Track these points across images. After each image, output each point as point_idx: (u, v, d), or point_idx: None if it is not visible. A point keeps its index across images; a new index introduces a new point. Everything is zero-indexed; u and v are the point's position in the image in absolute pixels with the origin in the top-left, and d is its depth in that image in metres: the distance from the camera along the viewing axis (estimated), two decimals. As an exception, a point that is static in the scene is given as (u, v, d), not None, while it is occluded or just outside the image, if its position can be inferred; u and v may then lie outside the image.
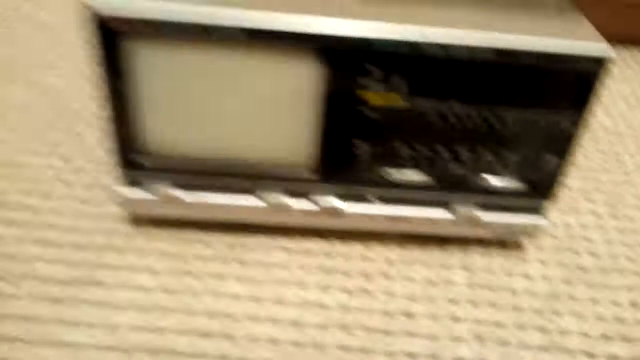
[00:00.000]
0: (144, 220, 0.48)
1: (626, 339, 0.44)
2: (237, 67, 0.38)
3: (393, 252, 0.48)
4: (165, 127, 0.40)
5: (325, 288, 0.45)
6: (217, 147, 0.41)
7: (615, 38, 0.82)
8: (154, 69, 0.38)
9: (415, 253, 0.48)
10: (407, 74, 0.38)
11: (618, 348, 0.43)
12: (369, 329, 0.42)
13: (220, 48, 0.37)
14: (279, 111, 0.40)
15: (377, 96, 0.39)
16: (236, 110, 0.40)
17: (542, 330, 0.44)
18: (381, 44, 0.37)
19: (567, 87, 0.39)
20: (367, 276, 0.46)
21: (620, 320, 0.45)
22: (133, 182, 0.43)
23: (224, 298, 0.43)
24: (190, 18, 0.35)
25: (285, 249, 0.47)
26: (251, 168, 0.43)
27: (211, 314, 0.42)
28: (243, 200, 0.44)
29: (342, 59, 0.37)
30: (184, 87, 0.38)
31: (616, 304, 0.47)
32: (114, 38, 0.36)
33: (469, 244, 0.50)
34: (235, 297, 0.43)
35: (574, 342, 0.43)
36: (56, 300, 0.41)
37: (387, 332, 0.42)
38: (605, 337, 0.44)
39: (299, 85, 0.39)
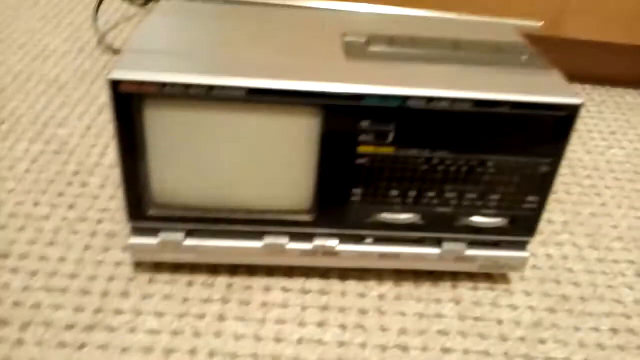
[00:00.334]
0: (146, 265, 0.51)
1: (608, 364, 0.47)
2: (240, 124, 0.42)
3: (387, 289, 0.51)
4: (173, 180, 0.44)
5: (322, 325, 0.47)
6: (221, 197, 0.45)
7: (592, 79, 0.86)
8: (164, 128, 0.42)
9: (408, 289, 0.51)
10: (393, 124, 0.42)
11: (600, 372, 0.46)
12: (365, 362, 0.45)
13: (224, 107, 0.41)
14: (278, 162, 0.44)
15: (367, 145, 0.43)
16: (238, 163, 0.43)
17: (528, 358, 0.47)
18: (371, 98, 0.41)
19: (543, 133, 0.43)
20: (362, 312, 0.49)
21: (601, 346, 0.48)
22: (141, 231, 0.46)
23: (226, 337, 0.46)
24: (197, 80, 0.39)
25: (285, 289, 0.50)
26: (252, 214, 0.46)
27: (213, 353, 0.44)
28: (244, 243, 0.47)
29: (336, 113, 0.41)
30: (192, 143, 0.42)
31: (597, 330, 0.49)
32: (127, 100, 0.40)
33: (459, 278, 0.53)
34: (237, 336, 0.46)
35: (558, 368, 0.46)
36: (62, 345, 0.44)
37: (382, 365, 0.45)
38: (588, 363, 0.47)
39: (296, 138, 0.42)
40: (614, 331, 0.50)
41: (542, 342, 0.48)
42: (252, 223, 0.46)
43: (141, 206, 0.45)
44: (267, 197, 0.45)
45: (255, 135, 0.42)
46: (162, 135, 0.42)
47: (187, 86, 0.39)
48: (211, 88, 0.40)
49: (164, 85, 0.39)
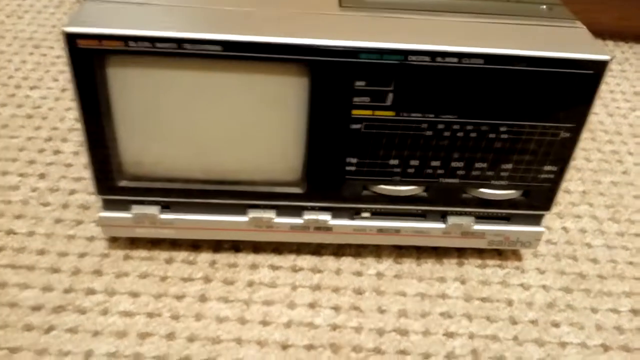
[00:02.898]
0: (122, 241, 0.46)
1: (626, 349, 0.42)
2: (217, 84, 0.37)
3: (386, 266, 0.47)
4: (144, 148, 0.39)
5: (314, 306, 0.43)
6: (199, 167, 0.40)
7: (615, 34, 0.80)
8: (129, 88, 0.37)
9: (409, 266, 0.47)
10: (393, 84, 0.37)
11: (619, 359, 0.42)
12: (359, 349, 0.41)
13: (198, 64, 0.36)
14: (262, 128, 0.39)
15: (364, 108, 0.38)
16: (217, 128, 0.38)
17: (540, 343, 0.42)
18: (367, 54, 0.35)
19: (564, 94, 0.37)
20: (358, 292, 0.45)
21: (619, 329, 0.44)
22: (112, 204, 0.42)
23: (207, 320, 0.42)
24: (165, 33, 0.34)
25: (273, 267, 0.46)
26: (235, 186, 0.41)
27: (193, 338, 0.40)
28: (227, 218, 0.43)
29: (326, 70, 0.36)
30: (162, 106, 0.37)
31: (616, 311, 0.45)
32: (86, 56, 0.35)
33: (466, 255, 0.48)
34: (219, 318, 0.42)
35: (572, 354, 0.42)
36: (28, 328, 0.40)
37: (378, 351, 0.41)
38: (605, 348, 0.42)
39: (282, 100, 0.37)
40: (635, 312, 0.45)
41: (556, 325, 0.44)
42: (236, 195, 0.42)
43: (110, 177, 0.40)
44: (252, 166, 0.40)
45: (235, 97, 0.37)
46: (129, 98, 0.37)
47: (155, 40, 0.34)
48: (182, 42, 0.34)
49: (128, 39, 0.34)
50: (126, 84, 0.36)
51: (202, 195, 0.41)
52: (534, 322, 0.44)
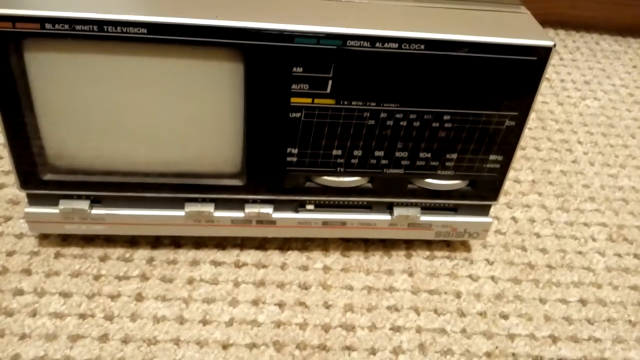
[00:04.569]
0: (53, 238, 0.44)
1: (575, 339, 0.42)
2: (144, 69, 0.34)
3: (333, 260, 0.45)
4: (70, 139, 0.37)
5: (257, 303, 0.42)
6: (130, 158, 0.38)
7: (565, 23, 0.80)
8: (49, 74, 0.34)
9: (356, 259, 0.46)
10: (332, 70, 0.35)
11: (567, 350, 0.41)
12: (303, 346, 0.39)
13: (122, 48, 0.33)
14: (196, 117, 0.37)
15: (302, 96, 0.36)
16: (146, 117, 0.36)
17: (488, 335, 0.42)
18: (303, 38, 0.34)
19: (508, 82, 0.36)
20: (304, 287, 0.43)
21: (568, 319, 0.43)
22: (38, 199, 0.39)
23: (143, 320, 0.40)
24: (85, 14, 0.32)
25: (215, 262, 0.44)
26: (171, 178, 0.39)
27: (128, 339, 0.38)
28: (163, 212, 0.41)
29: (261, 55, 0.34)
30: (85, 94, 0.35)
31: (565, 302, 0.45)
32: (0, 40, 0.32)
33: (414, 247, 0.47)
34: (156, 318, 0.40)
35: (520, 345, 0.41)
36: (-42, 333, 0.38)
37: (323, 348, 0.39)
38: (553, 339, 0.42)
39: (216, 87, 0.35)
40: (583, 302, 0.45)
41: (504, 316, 0.43)
42: (171, 189, 0.39)
43: (34, 170, 0.37)
44: (187, 158, 0.38)
45: (164, 84, 0.35)
46: (49, 85, 0.34)
47: (74, 22, 0.32)
48: (103, 25, 0.32)
49: (44, 21, 0.32)
50: (45, 70, 0.34)
51: (134, 188, 0.39)
52: (482, 314, 0.43)
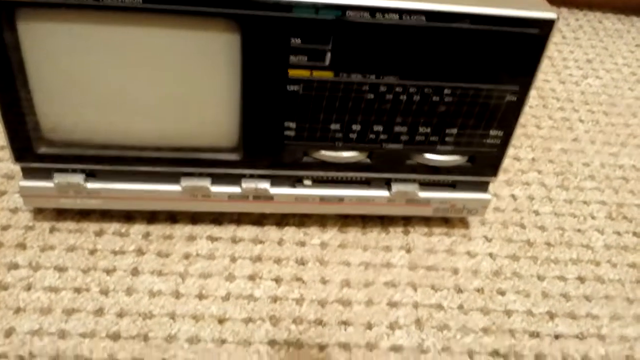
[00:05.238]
0: (48, 212, 0.43)
1: (572, 316, 0.42)
2: (140, 40, 0.34)
3: (330, 235, 0.45)
4: (64, 111, 0.36)
5: (254, 278, 0.41)
6: (125, 131, 0.38)
7: (568, 1, 0.79)
8: (43, 45, 0.33)
9: (354, 235, 0.45)
10: (331, 42, 0.34)
11: (563, 327, 0.41)
12: (299, 320, 0.39)
13: (117, 18, 0.33)
14: (193, 89, 0.36)
15: (300, 68, 0.35)
16: (141, 89, 0.36)
17: (485, 311, 0.42)
18: (301, 8, 0.33)
19: (510, 55, 0.36)
20: (301, 262, 0.43)
21: (566, 296, 0.43)
22: (32, 172, 0.39)
23: (139, 294, 0.39)
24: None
25: (211, 238, 0.43)
26: (166, 152, 0.39)
27: (123, 313, 0.38)
28: (159, 187, 0.40)
29: (257, 26, 0.33)
30: (80, 65, 0.34)
31: (562, 279, 0.44)
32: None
33: (412, 223, 0.47)
34: (152, 292, 0.40)
35: (517, 321, 0.41)
36: (-46, 306, 0.38)
37: (319, 323, 0.39)
38: (551, 315, 0.42)
39: (212, 59, 0.35)
40: (581, 279, 0.45)
41: (501, 293, 0.43)
42: (167, 163, 0.39)
43: (29, 144, 0.37)
44: (183, 131, 0.38)
45: (161, 55, 0.34)
46: (43, 56, 0.34)
47: (67, -9, 0.31)
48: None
49: (36, -11, 0.31)
50: (39, 41, 0.33)
51: (130, 162, 0.39)
52: (479, 290, 0.43)
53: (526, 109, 0.60)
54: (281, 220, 0.46)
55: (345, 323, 0.40)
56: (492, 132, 0.39)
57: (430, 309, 0.41)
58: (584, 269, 0.45)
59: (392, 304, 0.41)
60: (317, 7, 0.33)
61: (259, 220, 0.45)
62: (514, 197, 0.50)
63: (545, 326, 0.41)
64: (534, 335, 0.40)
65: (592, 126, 0.59)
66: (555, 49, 0.70)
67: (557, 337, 0.41)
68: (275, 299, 0.40)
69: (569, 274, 0.45)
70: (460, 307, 0.42)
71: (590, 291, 0.44)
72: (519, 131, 0.57)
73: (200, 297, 0.40)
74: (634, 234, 0.49)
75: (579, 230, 0.48)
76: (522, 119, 0.58)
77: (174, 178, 0.40)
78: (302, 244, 0.44)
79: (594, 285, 0.44)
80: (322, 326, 0.39)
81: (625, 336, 0.41)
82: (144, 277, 0.40)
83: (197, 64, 0.35)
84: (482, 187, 0.43)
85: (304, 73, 0.36)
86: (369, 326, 0.40)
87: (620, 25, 0.78)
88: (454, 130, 0.39)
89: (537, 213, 0.49)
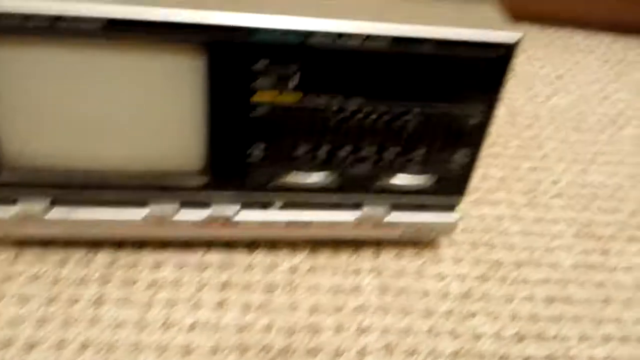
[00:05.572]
0: (9, 241, 0.42)
1: (541, 338, 0.42)
2: (102, 66, 0.33)
3: (300, 259, 0.45)
4: (27, 137, 0.35)
5: (221, 306, 0.41)
6: (87, 157, 0.37)
7: (539, 18, 0.80)
8: (3, 72, 0.33)
9: (324, 259, 0.45)
10: (295, 67, 0.34)
11: (533, 349, 0.41)
12: (268, 349, 0.39)
13: (79, 44, 0.32)
14: (157, 114, 0.35)
15: (265, 93, 0.35)
16: (107, 114, 0.35)
17: (454, 334, 0.41)
18: (264, 33, 0.33)
19: (473, 78, 0.36)
20: (270, 288, 0.43)
21: (534, 317, 0.43)
22: (-7, 202, 0.38)
23: (103, 325, 0.39)
24: (38, 8, 0.30)
25: (178, 265, 0.43)
26: (131, 178, 0.38)
27: (86, 345, 0.37)
28: (122, 214, 0.39)
29: (223, 51, 0.33)
30: (38, 90, 0.34)
31: (531, 300, 0.45)
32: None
33: (382, 246, 0.47)
34: (116, 323, 0.39)
35: (486, 345, 0.41)
36: None
37: (287, 351, 0.39)
38: (520, 337, 0.42)
39: (177, 83, 0.34)
40: (549, 300, 0.45)
41: (471, 315, 0.43)
42: (131, 189, 0.38)
43: (-14, 171, 0.36)
44: (149, 156, 0.37)
45: (124, 80, 0.34)
46: (3, 81, 0.33)
47: (26, 17, 0.31)
48: (57, 19, 0.31)
49: (-8, 17, 0.30)
50: (-3, 68, 0.32)
51: (93, 189, 0.38)
52: (449, 313, 0.43)
53: (495, 128, 0.60)
54: (251, 243, 0.45)
55: (314, 350, 0.39)
56: (459, 153, 0.40)
57: (400, 333, 0.41)
58: (552, 289, 0.46)
59: (362, 330, 0.41)
60: (280, 32, 0.33)
61: (229, 244, 0.45)
62: (482, 217, 0.51)
63: (514, 348, 0.41)
64: (504, 358, 0.40)
65: (561, 143, 0.60)
66: (525, 64, 0.71)
67: (526, 359, 0.41)
68: (243, 327, 0.40)
69: (538, 294, 0.45)
70: (430, 330, 0.41)
71: (559, 312, 0.44)
72: (488, 150, 0.57)
73: (166, 326, 0.39)
74: (602, 252, 0.49)
75: (547, 250, 0.49)
76: (491, 138, 0.59)
77: (137, 204, 0.39)
78: (272, 268, 0.44)
79: (562, 305, 0.44)
80: (290, 354, 0.39)
81: (594, 357, 0.41)
82: (107, 307, 0.40)
83: (162, 88, 0.34)
84: (450, 208, 0.43)
85: (268, 97, 0.35)
86: (338, 353, 0.39)
87: (590, 42, 0.79)
88: (421, 152, 0.39)
89: (505, 233, 0.49)
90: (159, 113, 0.35)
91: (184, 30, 0.32)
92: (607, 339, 0.43)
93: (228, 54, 0.33)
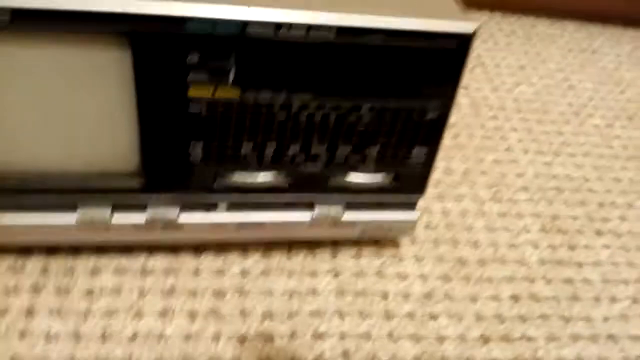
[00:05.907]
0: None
1: (506, 339, 0.40)
2: (14, 60, 0.30)
3: (252, 262, 0.42)
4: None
5: (165, 314, 0.38)
6: (10, 157, 0.33)
7: (501, 6, 0.78)
8: None
9: (278, 260, 0.42)
10: (233, 60, 0.31)
11: (498, 351, 0.39)
12: (215, 360, 0.36)
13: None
14: (82, 111, 0.32)
15: (201, 88, 0.32)
16: (28, 112, 0.32)
17: (416, 338, 0.39)
18: (197, 23, 0.30)
19: (428, 70, 0.33)
20: (219, 294, 0.40)
21: (500, 317, 0.41)
22: None
23: (34, 338, 0.35)
24: None
25: (118, 270, 0.40)
26: (59, 180, 0.35)
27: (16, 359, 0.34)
28: (52, 219, 0.36)
29: (149, 43, 0.30)
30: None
31: (496, 299, 0.43)
32: None
33: (340, 245, 0.44)
34: (49, 336, 0.35)
35: (450, 349, 0.39)
36: None
37: (236, 362, 0.36)
38: (485, 339, 0.40)
39: (100, 78, 0.31)
40: (515, 299, 0.43)
41: (434, 317, 0.41)
42: (60, 191, 0.35)
43: None
44: (76, 156, 0.34)
45: (45, 74, 0.30)
46: None
47: None
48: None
49: None
50: None
51: (17, 192, 0.34)
52: (410, 315, 0.40)
53: (458, 119, 0.58)
54: (198, 246, 0.42)
55: (265, 360, 0.37)
56: (416, 149, 0.37)
57: (359, 339, 0.39)
58: (518, 287, 0.44)
59: (318, 336, 0.38)
60: (214, 23, 0.30)
61: (173, 248, 0.42)
62: (445, 212, 0.48)
63: (479, 352, 0.39)
64: (467, 362, 0.38)
65: (525, 135, 0.58)
66: (487, 55, 0.69)
67: (490, 362, 0.39)
68: (188, 337, 0.37)
69: (503, 293, 0.43)
70: (390, 335, 0.39)
71: (524, 311, 0.42)
72: (451, 142, 0.55)
73: (104, 338, 0.36)
74: (569, 247, 0.48)
75: (512, 246, 0.47)
76: (455, 129, 0.57)
77: (67, 208, 0.36)
78: (221, 273, 0.41)
79: (529, 304, 0.43)
80: (239, 365, 0.36)
81: (562, 358, 0.40)
82: (40, 319, 0.36)
83: (85, 82, 0.31)
84: (410, 205, 0.41)
85: (205, 93, 0.32)
86: (291, 362, 0.37)
87: (553, 30, 0.77)
88: (376, 149, 0.36)
89: (469, 229, 0.47)
90: (83, 109, 0.32)
91: (104, 20, 0.28)
92: (575, 338, 0.41)
93: (154, 46, 0.30)
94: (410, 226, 0.42)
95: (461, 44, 0.32)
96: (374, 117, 0.35)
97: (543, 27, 0.77)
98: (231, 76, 0.32)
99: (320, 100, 0.33)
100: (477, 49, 0.69)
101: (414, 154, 0.37)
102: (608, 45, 0.76)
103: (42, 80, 0.30)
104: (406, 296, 0.42)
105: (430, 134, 0.36)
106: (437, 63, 0.33)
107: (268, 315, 0.39)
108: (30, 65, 0.30)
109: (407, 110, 0.35)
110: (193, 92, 0.32)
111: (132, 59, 0.30)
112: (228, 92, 0.32)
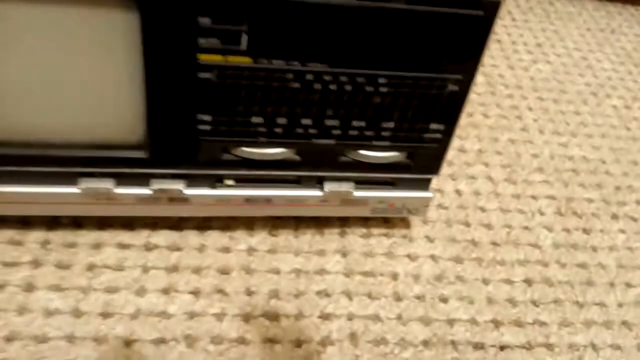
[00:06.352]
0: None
1: (518, 324, 0.39)
2: (23, 22, 0.28)
3: (259, 239, 0.41)
4: None
5: (168, 291, 0.37)
6: (14, 126, 0.32)
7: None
8: None
9: (285, 238, 0.41)
10: (246, 23, 0.30)
11: (509, 335, 0.38)
12: (219, 340, 0.35)
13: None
14: (88, 77, 0.31)
15: (212, 52, 0.30)
16: (30, 78, 0.30)
17: (425, 321, 0.38)
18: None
19: (451, 41, 0.32)
20: (224, 272, 0.38)
21: (512, 302, 0.40)
22: None
23: (33, 314, 0.34)
24: None
25: (121, 245, 0.38)
26: (62, 150, 0.33)
27: (13, 337, 0.33)
28: (57, 189, 0.35)
29: (161, 5, 0.28)
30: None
31: (509, 282, 0.41)
32: None
33: (349, 223, 0.43)
34: (48, 312, 0.34)
35: (460, 332, 0.38)
36: None
37: (242, 342, 0.35)
38: (496, 323, 0.39)
39: (108, 42, 0.29)
40: (528, 282, 0.42)
41: (444, 300, 0.40)
42: (62, 162, 0.34)
43: None
44: (79, 125, 0.32)
45: (49, 38, 0.29)
46: None
47: None
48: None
49: None
50: None
51: (19, 162, 0.33)
52: (420, 297, 0.39)
53: (473, 97, 0.56)
54: (203, 222, 0.41)
55: (271, 341, 0.35)
56: (433, 126, 0.35)
57: (367, 320, 0.37)
58: (531, 271, 0.42)
59: (325, 317, 0.37)
60: (229, -18, 0.28)
61: (178, 223, 0.40)
62: (458, 192, 0.47)
63: (489, 336, 0.38)
64: (478, 347, 0.37)
65: (542, 114, 0.56)
66: (504, 32, 0.67)
67: (502, 348, 0.38)
68: (192, 315, 0.36)
69: (516, 276, 0.42)
70: (399, 317, 0.38)
71: (537, 295, 0.41)
72: (465, 120, 0.54)
73: (105, 315, 0.35)
74: (584, 230, 0.46)
75: (526, 228, 0.45)
76: (469, 108, 0.55)
77: (71, 179, 0.35)
78: (226, 250, 0.40)
79: (542, 288, 0.41)
80: (244, 345, 0.35)
81: (575, 344, 0.39)
82: (39, 294, 0.35)
83: (90, 46, 0.29)
84: (423, 184, 0.40)
85: (217, 58, 0.31)
86: (298, 344, 0.35)
87: (572, 8, 0.75)
88: (391, 124, 0.35)
89: (482, 210, 0.46)
90: (88, 75, 0.30)
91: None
92: (589, 324, 0.40)
93: (164, 8, 0.28)
94: (423, 205, 0.40)
95: (489, 10, 0.31)
96: (390, 89, 0.33)
97: (561, 5, 0.75)
98: (244, 41, 0.30)
99: (336, 69, 0.32)
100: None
101: (430, 130, 0.35)
102: (627, 25, 0.74)
103: (45, 43, 0.29)
104: (416, 277, 0.40)
105: (449, 109, 0.35)
106: (461, 31, 0.31)
107: (274, 294, 0.38)
108: (32, 28, 0.28)
109: (426, 82, 0.33)
110: (204, 57, 0.30)
111: (140, 21, 0.29)
112: (240, 58, 0.31)
